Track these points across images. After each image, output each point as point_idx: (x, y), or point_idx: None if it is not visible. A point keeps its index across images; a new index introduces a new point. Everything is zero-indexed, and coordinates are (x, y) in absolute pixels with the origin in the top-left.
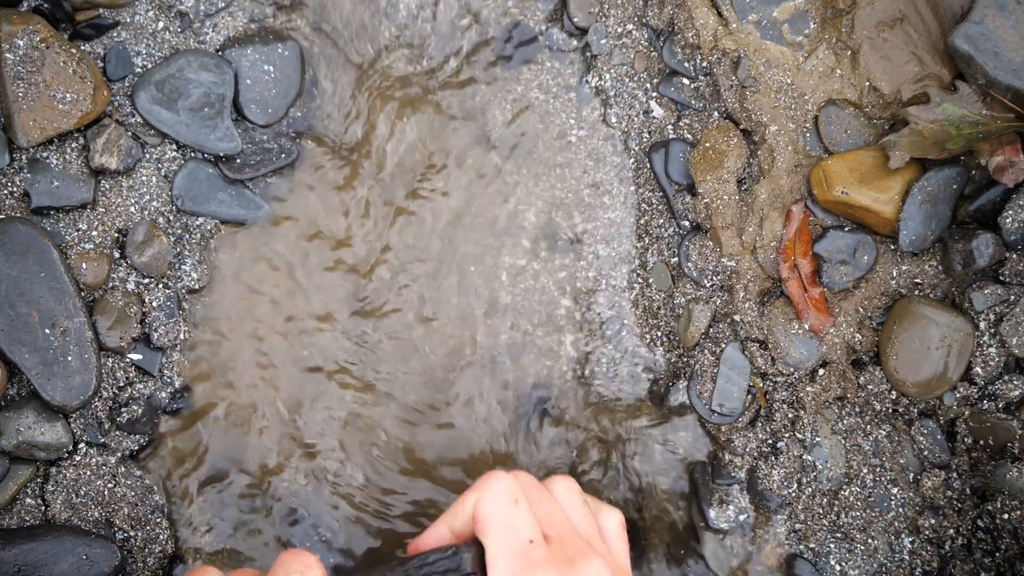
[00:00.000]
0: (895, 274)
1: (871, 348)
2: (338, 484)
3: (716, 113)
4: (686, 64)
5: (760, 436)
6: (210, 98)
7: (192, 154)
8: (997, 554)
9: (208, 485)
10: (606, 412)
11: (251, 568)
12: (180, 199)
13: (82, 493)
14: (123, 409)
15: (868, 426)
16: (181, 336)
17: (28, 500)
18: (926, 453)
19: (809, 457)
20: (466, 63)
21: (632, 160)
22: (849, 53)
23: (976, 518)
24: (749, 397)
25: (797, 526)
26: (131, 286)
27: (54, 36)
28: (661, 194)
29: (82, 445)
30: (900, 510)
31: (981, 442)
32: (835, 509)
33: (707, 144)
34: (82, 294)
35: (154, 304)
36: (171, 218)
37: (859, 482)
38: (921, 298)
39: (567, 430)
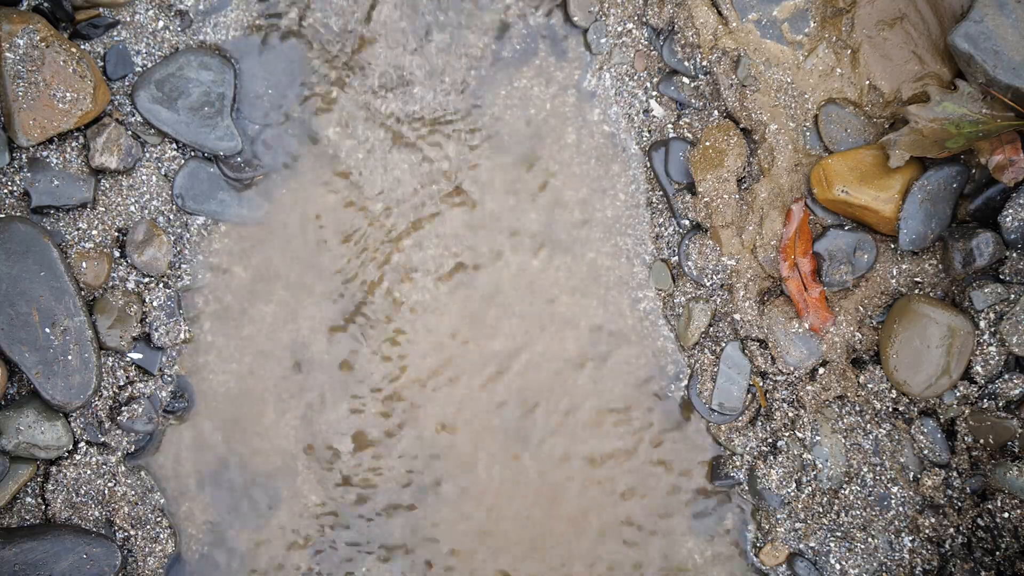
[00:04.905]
0: (895, 273)
1: (871, 347)
2: (344, 476)
3: (716, 112)
4: (686, 63)
5: (760, 435)
6: (210, 97)
7: (193, 153)
8: (997, 553)
9: (209, 484)
10: None
11: None
12: (181, 198)
13: (82, 492)
14: (123, 408)
15: (868, 425)
16: (182, 336)
17: (28, 499)
18: (926, 452)
19: (809, 456)
20: (467, 63)
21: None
22: (849, 52)
23: (976, 517)
24: (749, 396)
25: (797, 525)
26: (131, 285)
27: (54, 35)
28: (661, 193)
29: (82, 444)
30: (900, 509)
31: (981, 441)
32: (835, 508)
33: (707, 143)
34: (82, 293)
35: (154, 304)
36: (171, 217)
37: (859, 481)
38: (921, 297)
39: None
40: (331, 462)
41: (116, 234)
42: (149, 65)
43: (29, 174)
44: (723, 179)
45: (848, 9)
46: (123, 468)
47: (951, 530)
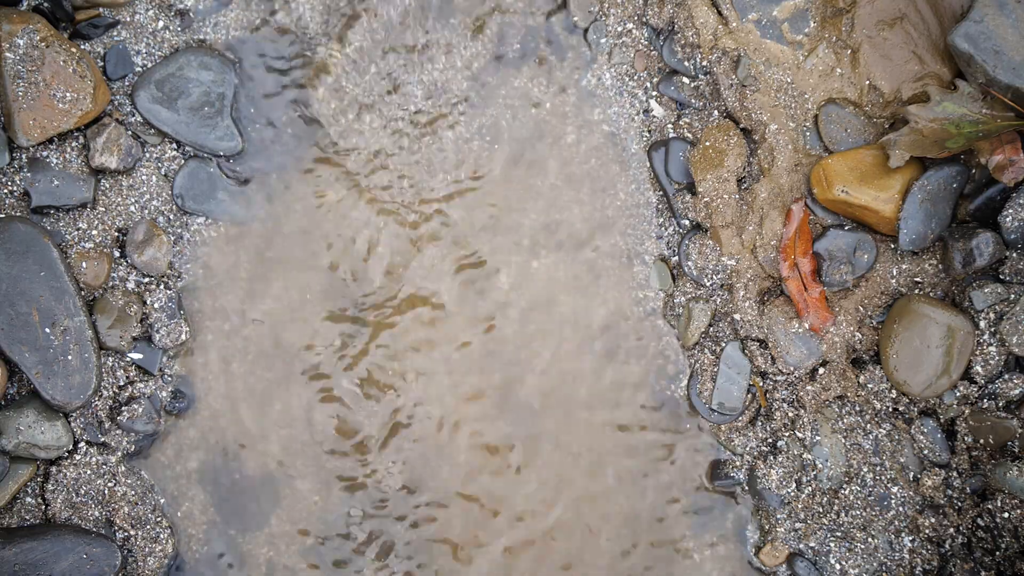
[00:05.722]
0: (895, 273)
1: (871, 347)
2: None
3: (716, 112)
4: (686, 63)
5: (760, 435)
6: (210, 97)
7: (193, 153)
8: (997, 553)
9: (209, 484)
10: None
11: None
12: (181, 198)
13: (82, 492)
14: (124, 408)
15: (868, 425)
16: (183, 336)
17: (28, 499)
18: (926, 452)
19: (809, 456)
20: (467, 63)
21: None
22: (849, 52)
23: (976, 517)
24: (749, 396)
25: (797, 525)
26: (131, 285)
27: (54, 35)
28: (661, 193)
29: (82, 444)
30: (900, 509)
31: (981, 441)
32: (835, 508)
33: (707, 143)
34: (82, 293)
35: (155, 305)
36: (171, 217)
37: (859, 481)
38: (921, 297)
39: None
40: (332, 462)
41: (116, 234)
42: (149, 65)
43: (29, 174)
44: (723, 179)
45: (848, 9)
46: (123, 468)
47: (951, 530)
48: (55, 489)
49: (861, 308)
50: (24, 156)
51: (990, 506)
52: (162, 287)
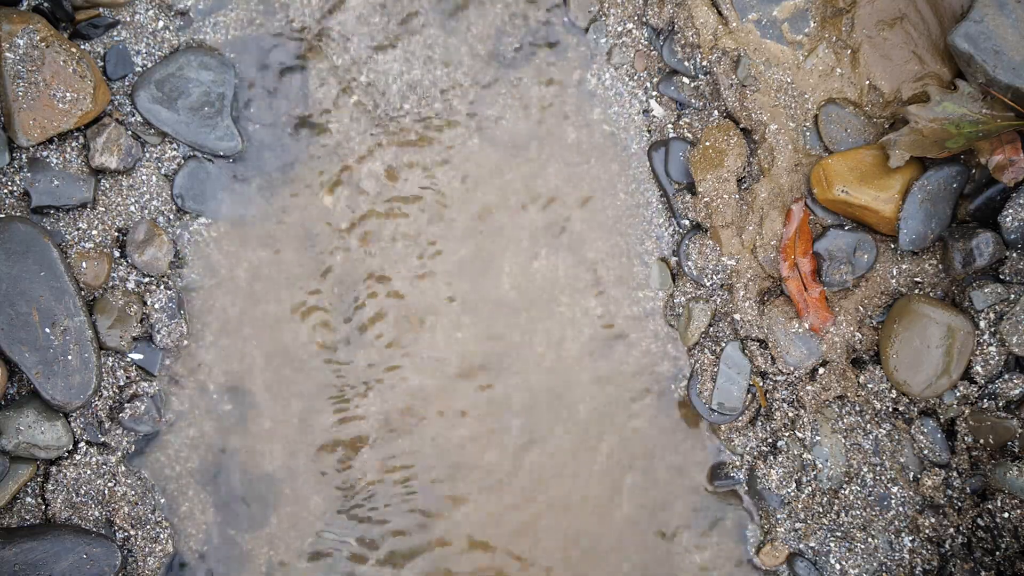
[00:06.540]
0: (895, 273)
1: (871, 347)
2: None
3: (716, 112)
4: (686, 63)
5: (760, 435)
6: (210, 97)
7: (192, 153)
8: (997, 553)
9: (209, 484)
10: None
11: None
12: (181, 198)
13: (82, 492)
14: (124, 408)
15: (868, 425)
16: (183, 337)
17: (28, 499)
18: (926, 452)
19: (809, 456)
20: (467, 63)
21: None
22: (849, 52)
23: (976, 517)
24: (749, 396)
25: (797, 525)
26: (131, 285)
27: (54, 35)
28: (661, 193)
29: (82, 444)
30: (900, 509)
31: (981, 441)
32: (835, 508)
33: (707, 143)
34: (82, 293)
35: (156, 306)
36: (171, 217)
37: (859, 481)
38: (921, 297)
39: None
40: (332, 462)
41: (116, 234)
42: (149, 65)
43: (29, 174)
44: (723, 179)
45: (848, 9)
46: (123, 468)
47: (951, 530)
48: (55, 489)
49: (861, 308)
50: (24, 156)
51: (990, 506)
52: (162, 287)
